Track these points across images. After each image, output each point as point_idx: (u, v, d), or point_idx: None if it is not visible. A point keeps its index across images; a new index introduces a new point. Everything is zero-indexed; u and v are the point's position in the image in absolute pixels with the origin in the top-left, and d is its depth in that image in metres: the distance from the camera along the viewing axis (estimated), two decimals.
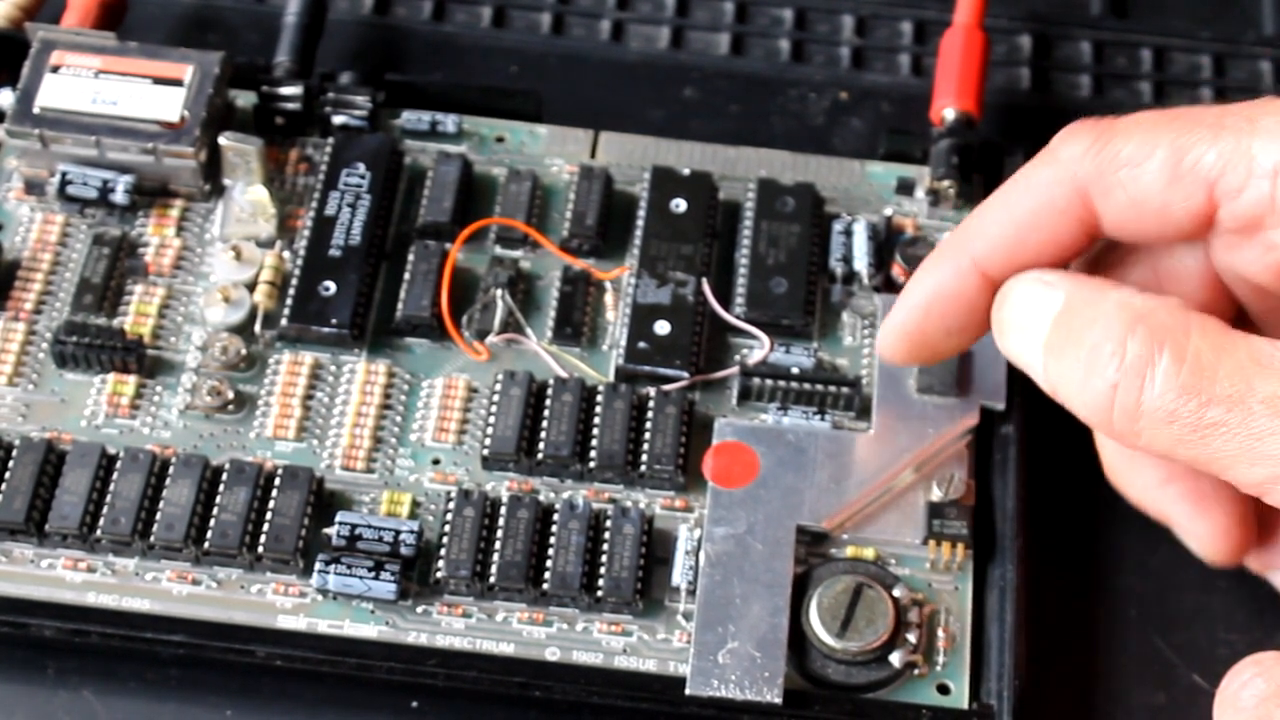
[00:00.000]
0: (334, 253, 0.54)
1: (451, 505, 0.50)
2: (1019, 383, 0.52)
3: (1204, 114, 0.44)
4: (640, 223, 0.55)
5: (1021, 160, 0.56)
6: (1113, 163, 0.44)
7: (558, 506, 0.50)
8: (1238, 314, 0.48)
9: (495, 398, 0.52)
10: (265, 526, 0.49)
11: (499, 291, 0.54)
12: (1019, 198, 0.46)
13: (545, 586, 0.49)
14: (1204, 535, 0.49)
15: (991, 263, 0.46)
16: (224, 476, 0.50)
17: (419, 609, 0.49)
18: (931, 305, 0.47)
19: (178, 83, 0.55)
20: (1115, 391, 0.42)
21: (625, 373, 0.53)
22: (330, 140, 0.56)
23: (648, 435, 0.51)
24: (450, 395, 0.52)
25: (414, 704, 0.49)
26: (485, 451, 0.51)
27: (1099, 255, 0.48)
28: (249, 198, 0.55)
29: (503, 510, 0.50)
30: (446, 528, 0.49)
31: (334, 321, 0.53)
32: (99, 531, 0.49)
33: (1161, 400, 0.41)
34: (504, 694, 0.48)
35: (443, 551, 0.49)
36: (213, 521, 0.49)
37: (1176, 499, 0.49)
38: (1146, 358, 0.42)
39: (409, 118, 0.57)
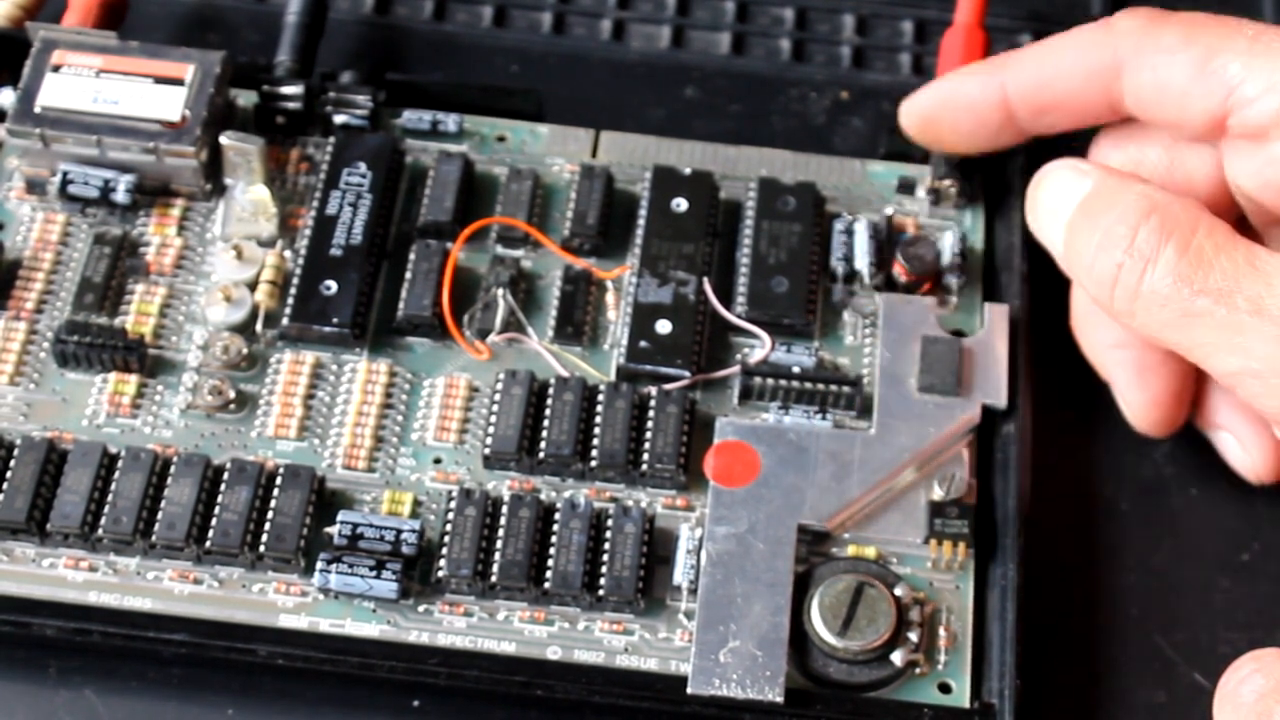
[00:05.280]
0: (335, 252, 0.54)
1: (453, 504, 0.50)
2: (1020, 382, 0.52)
3: (1246, 27, 0.48)
4: (641, 222, 0.55)
5: (1022, 160, 0.56)
6: (1154, 44, 0.48)
7: (559, 506, 0.50)
8: (1240, 224, 0.50)
9: (496, 397, 0.52)
10: (267, 526, 0.49)
11: (500, 291, 0.54)
12: (1064, 46, 0.51)
13: (547, 585, 0.49)
14: (1138, 404, 0.52)
15: (1017, 89, 0.52)
16: (225, 476, 0.50)
17: (420, 608, 0.49)
18: (950, 100, 0.53)
19: (179, 82, 0.55)
20: (1120, 271, 0.46)
21: (626, 372, 0.53)
22: (331, 139, 0.56)
23: (649, 434, 0.51)
24: (451, 394, 0.53)
25: (415, 703, 0.49)
26: (486, 450, 0.51)
27: (1122, 136, 0.52)
28: (250, 197, 0.55)
29: (504, 509, 0.50)
30: (448, 527, 0.49)
31: (335, 321, 0.53)
32: (100, 531, 0.49)
33: (1159, 284, 0.45)
34: (505, 693, 0.48)
35: (444, 550, 0.49)
36: (214, 521, 0.49)
37: (1121, 363, 0.52)
38: (1154, 244, 0.45)
39: (410, 117, 0.57)
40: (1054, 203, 0.49)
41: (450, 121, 0.57)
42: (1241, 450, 0.52)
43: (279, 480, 0.50)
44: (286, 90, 0.57)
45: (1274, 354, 0.44)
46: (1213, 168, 0.50)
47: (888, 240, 0.55)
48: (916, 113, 0.54)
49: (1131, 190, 0.47)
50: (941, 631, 0.49)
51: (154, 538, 0.49)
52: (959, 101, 0.53)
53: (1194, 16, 0.49)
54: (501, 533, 0.49)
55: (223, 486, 0.50)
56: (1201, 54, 0.48)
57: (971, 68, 0.54)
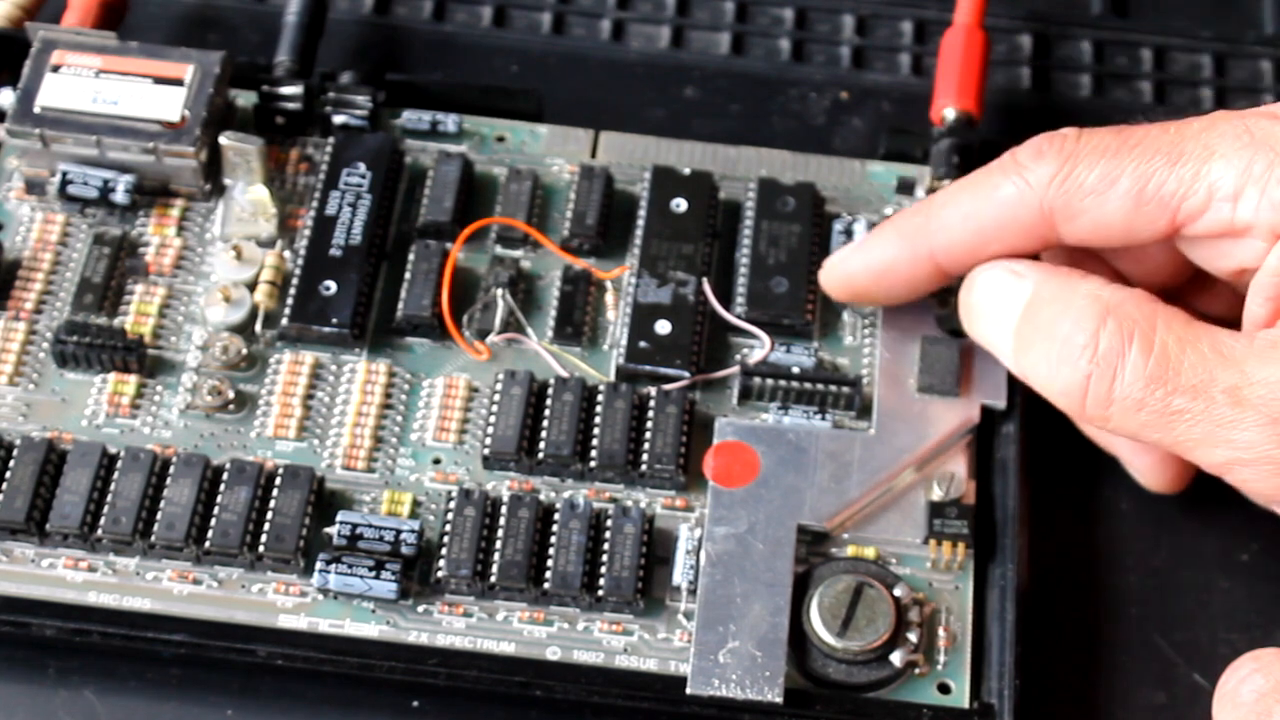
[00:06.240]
0: (334, 252, 0.54)
1: (452, 505, 0.50)
2: (1020, 382, 0.52)
3: (1161, 138, 0.46)
4: (641, 222, 0.55)
5: None
6: (1078, 191, 0.46)
7: (558, 506, 0.50)
8: (1197, 276, 0.49)
9: (496, 397, 0.52)
10: (266, 526, 0.49)
11: (500, 291, 0.54)
12: (984, 206, 0.48)
13: (546, 586, 0.49)
14: (1146, 468, 0.52)
15: (949, 259, 0.49)
16: (225, 476, 0.50)
17: (420, 608, 0.49)
18: (882, 277, 0.50)
19: (178, 82, 0.55)
20: (1089, 381, 0.44)
21: (626, 372, 0.53)
22: (331, 140, 0.56)
23: (648, 435, 0.51)
24: (451, 395, 0.52)
25: (415, 703, 0.49)
26: (486, 451, 0.51)
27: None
28: (250, 197, 0.55)
29: (503, 510, 0.50)
30: (447, 527, 0.49)
31: (334, 321, 0.53)
32: (100, 531, 0.49)
33: (1131, 389, 0.44)
34: (505, 693, 0.48)
35: (443, 551, 0.49)
36: (213, 521, 0.49)
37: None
38: (1118, 349, 0.44)
39: (409, 117, 0.57)
40: (993, 309, 0.48)
41: (450, 122, 0.57)
42: (1262, 484, 0.50)
43: (278, 480, 0.50)
44: (286, 90, 0.57)
45: (1260, 440, 0.43)
46: (1163, 242, 0.48)
47: None
48: (839, 279, 0.52)
49: (1078, 291, 0.45)
50: (941, 632, 0.49)
51: (153, 538, 0.49)
52: (891, 276, 0.50)
53: (1102, 143, 0.46)
54: (501, 533, 0.49)
55: (222, 487, 0.50)
56: (1131, 185, 0.46)
57: (888, 233, 0.50)
